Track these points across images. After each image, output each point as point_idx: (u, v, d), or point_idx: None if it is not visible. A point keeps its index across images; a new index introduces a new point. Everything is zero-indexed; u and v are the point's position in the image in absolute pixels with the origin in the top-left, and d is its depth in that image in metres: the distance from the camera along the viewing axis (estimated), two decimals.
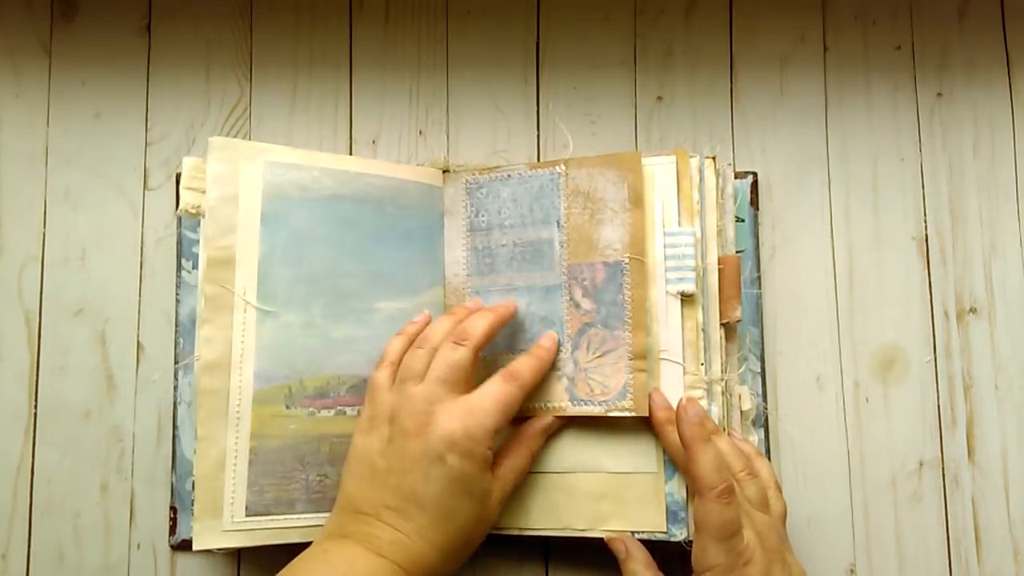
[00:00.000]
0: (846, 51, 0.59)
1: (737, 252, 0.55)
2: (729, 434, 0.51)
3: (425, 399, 0.46)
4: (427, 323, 0.51)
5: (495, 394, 0.47)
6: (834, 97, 0.59)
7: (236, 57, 0.59)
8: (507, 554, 0.54)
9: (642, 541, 0.50)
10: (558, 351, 0.51)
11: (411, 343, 0.50)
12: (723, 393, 0.51)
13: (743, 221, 0.56)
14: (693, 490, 0.46)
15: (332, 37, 0.59)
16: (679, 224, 0.51)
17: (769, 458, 0.54)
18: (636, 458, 0.50)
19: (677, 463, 0.49)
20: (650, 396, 0.50)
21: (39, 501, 0.54)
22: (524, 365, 0.49)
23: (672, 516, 0.49)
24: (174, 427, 0.54)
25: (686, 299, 0.51)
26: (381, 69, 0.59)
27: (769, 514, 0.47)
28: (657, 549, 0.50)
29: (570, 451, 0.51)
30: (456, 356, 0.47)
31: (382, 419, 0.47)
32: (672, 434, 0.48)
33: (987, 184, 0.58)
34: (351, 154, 0.58)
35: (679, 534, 0.49)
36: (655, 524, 0.50)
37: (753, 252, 0.56)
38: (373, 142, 0.58)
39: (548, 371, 0.51)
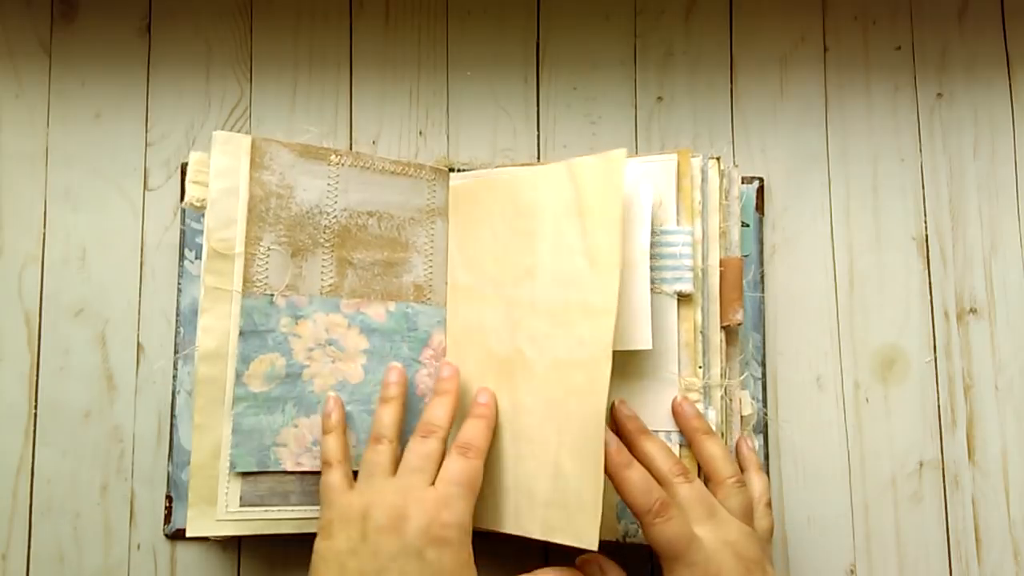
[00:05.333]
0: (846, 51, 0.59)
1: (743, 256, 0.54)
2: (737, 440, 0.51)
3: (399, 492, 0.45)
4: (340, 411, 0.49)
5: (459, 476, 0.45)
6: (834, 97, 0.59)
7: (236, 57, 0.59)
8: (507, 554, 0.54)
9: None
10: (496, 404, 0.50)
11: (343, 440, 0.49)
12: (722, 398, 0.51)
13: (748, 226, 0.56)
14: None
15: (332, 37, 0.59)
16: (677, 223, 0.51)
17: (768, 460, 0.54)
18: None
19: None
20: (615, 406, 0.49)
21: (39, 501, 0.54)
22: (473, 433, 0.47)
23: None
24: (172, 416, 0.54)
25: (683, 299, 0.50)
26: (381, 69, 0.59)
27: (751, 526, 0.47)
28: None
29: (525, 455, 0.49)
30: (425, 448, 0.46)
31: (348, 520, 0.45)
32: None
33: (987, 184, 0.58)
34: None
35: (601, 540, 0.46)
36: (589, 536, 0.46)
37: (757, 257, 0.56)
38: (373, 142, 0.58)
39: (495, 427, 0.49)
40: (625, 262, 0.49)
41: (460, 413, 0.50)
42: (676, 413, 0.49)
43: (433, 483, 0.45)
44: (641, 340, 0.48)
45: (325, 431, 0.49)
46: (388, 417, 0.48)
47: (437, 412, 0.48)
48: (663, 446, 0.48)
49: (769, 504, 0.49)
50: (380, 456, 0.47)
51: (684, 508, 0.45)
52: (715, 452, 0.48)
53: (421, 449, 0.46)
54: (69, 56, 0.58)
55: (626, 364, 0.50)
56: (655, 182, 0.51)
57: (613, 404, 0.49)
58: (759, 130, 0.58)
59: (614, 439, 0.46)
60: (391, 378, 0.50)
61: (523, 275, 0.51)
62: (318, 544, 0.46)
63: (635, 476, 0.45)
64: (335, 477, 0.47)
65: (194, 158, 0.52)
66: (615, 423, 0.49)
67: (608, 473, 0.45)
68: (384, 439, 0.47)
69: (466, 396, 0.51)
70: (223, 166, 0.50)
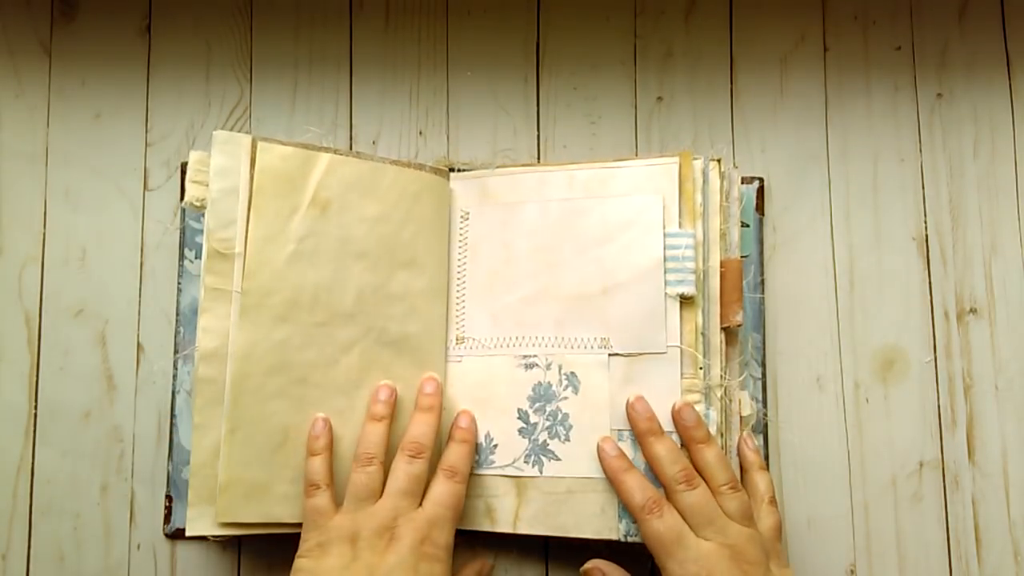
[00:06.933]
0: (846, 51, 0.59)
1: (742, 257, 0.54)
2: (739, 440, 0.51)
3: (390, 512, 0.47)
4: (328, 433, 0.49)
5: (447, 499, 0.48)
6: (834, 97, 0.59)
7: (236, 57, 0.59)
8: (507, 554, 0.54)
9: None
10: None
11: (329, 462, 0.49)
12: (722, 398, 0.51)
13: (748, 227, 0.56)
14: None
15: (332, 37, 0.59)
16: (680, 226, 0.51)
17: (768, 461, 0.54)
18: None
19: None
20: (599, 446, 0.50)
21: (39, 501, 0.54)
22: (458, 457, 0.50)
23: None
24: (172, 416, 0.54)
25: (685, 301, 0.50)
26: (381, 69, 0.59)
27: (753, 528, 0.47)
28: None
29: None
30: (414, 469, 0.48)
31: (338, 541, 0.46)
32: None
33: (987, 184, 0.58)
34: None
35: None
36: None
37: (757, 258, 0.56)
38: (373, 142, 0.58)
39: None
40: (638, 270, 0.51)
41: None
42: (676, 420, 0.49)
43: (420, 503, 0.48)
44: (657, 343, 0.50)
45: (311, 452, 0.49)
46: (376, 436, 0.49)
47: (423, 430, 0.49)
48: (672, 449, 0.49)
49: (773, 502, 0.50)
50: (370, 479, 0.48)
51: (686, 514, 0.47)
52: (710, 459, 0.48)
53: (410, 470, 0.48)
54: (69, 56, 0.58)
55: (628, 365, 0.51)
56: (656, 184, 0.52)
57: (628, 401, 0.50)
58: (759, 130, 0.58)
59: (615, 446, 0.50)
60: (381, 396, 0.50)
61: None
62: (303, 563, 0.46)
63: (631, 479, 0.48)
64: (322, 500, 0.48)
65: (194, 157, 0.52)
66: (629, 420, 0.50)
67: (608, 477, 0.50)
68: (374, 460, 0.48)
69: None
70: (223, 166, 0.50)
